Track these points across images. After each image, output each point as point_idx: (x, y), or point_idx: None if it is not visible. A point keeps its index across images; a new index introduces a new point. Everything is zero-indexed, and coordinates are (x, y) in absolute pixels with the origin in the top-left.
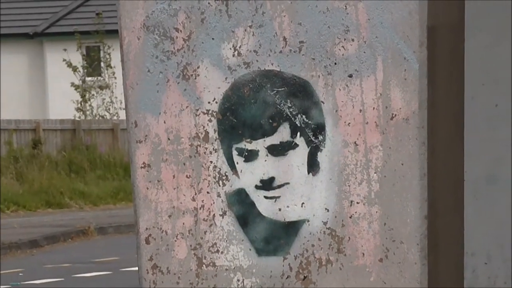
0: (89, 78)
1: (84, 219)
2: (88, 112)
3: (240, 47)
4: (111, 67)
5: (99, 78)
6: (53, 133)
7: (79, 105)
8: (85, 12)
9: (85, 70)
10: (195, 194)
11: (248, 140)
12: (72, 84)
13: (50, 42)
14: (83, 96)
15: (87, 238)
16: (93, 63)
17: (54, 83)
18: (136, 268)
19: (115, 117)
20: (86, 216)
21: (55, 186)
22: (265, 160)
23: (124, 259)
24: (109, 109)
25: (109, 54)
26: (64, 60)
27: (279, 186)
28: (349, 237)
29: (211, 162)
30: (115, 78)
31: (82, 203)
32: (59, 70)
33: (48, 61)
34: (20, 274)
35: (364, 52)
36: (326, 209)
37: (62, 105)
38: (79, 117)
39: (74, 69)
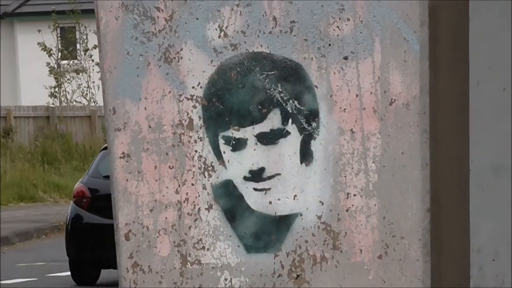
0: (64, 62)
1: (59, 213)
2: (63, 98)
3: (226, 27)
4: (88, 50)
5: (75, 61)
6: (25, 120)
7: (53, 90)
8: None
9: (60, 54)
10: (179, 186)
11: (236, 127)
12: (48, 65)
13: (21, 23)
14: (57, 81)
15: (62, 234)
16: (69, 46)
17: (26, 67)
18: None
19: (92, 104)
20: (61, 210)
21: (28, 178)
22: (254, 149)
23: None
24: (86, 94)
25: (85, 35)
26: (38, 43)
27: (270, 177)
28: (345, 232)
29: (195, 151)
30: (93, 60)
31: (57, 197)
32: (31, 53)
33: (19, 44)
34: None
35: (361, 33)
36: (320, 202)
37: (34, 90)
38: (53, 104)
39: (49, 52)
